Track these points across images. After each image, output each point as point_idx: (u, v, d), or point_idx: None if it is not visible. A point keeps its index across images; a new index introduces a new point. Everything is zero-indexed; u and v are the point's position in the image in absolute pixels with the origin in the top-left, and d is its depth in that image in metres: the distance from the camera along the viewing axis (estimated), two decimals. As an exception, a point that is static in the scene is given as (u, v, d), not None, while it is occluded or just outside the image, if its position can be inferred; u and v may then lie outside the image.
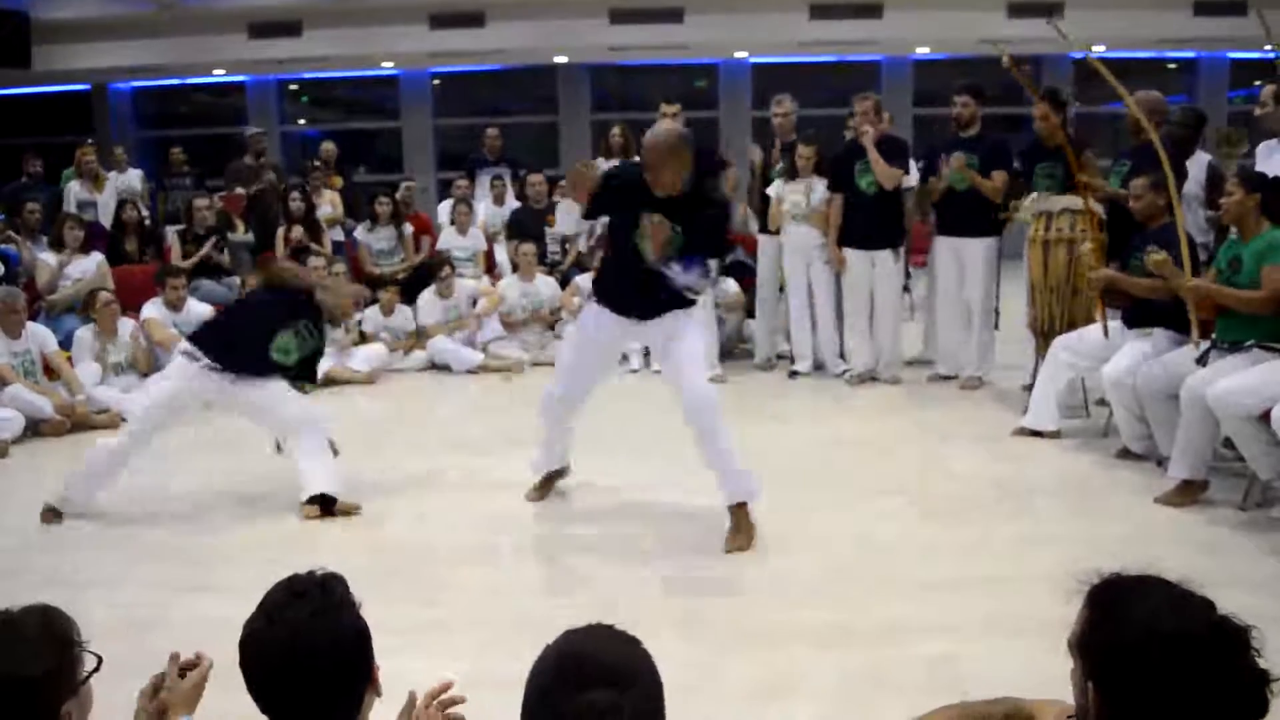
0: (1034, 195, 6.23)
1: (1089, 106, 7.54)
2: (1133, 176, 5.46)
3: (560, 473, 4.87)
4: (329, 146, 10.63)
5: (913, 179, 7.15)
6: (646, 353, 8.00)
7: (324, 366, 7.57)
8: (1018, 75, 5.96)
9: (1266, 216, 4.50)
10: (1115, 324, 5.47)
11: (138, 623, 3.49)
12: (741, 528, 4.18)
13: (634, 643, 1.47)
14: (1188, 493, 4.53)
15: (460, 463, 5.51)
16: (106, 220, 9.02)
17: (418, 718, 1.94)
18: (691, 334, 4.35)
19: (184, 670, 1.91)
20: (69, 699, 1.64)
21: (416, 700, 1.96)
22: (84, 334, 6.91)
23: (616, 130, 9.60)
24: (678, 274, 4.08)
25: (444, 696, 1.98)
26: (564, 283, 8.57)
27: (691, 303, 4.34)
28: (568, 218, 7.07)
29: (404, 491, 5.06)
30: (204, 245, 8.40)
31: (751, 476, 4.23)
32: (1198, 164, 6.11)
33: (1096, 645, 1.54)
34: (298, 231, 8.68)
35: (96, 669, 1.70)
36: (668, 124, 4.27)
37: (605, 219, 4.60)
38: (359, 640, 1.70)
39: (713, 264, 4.40)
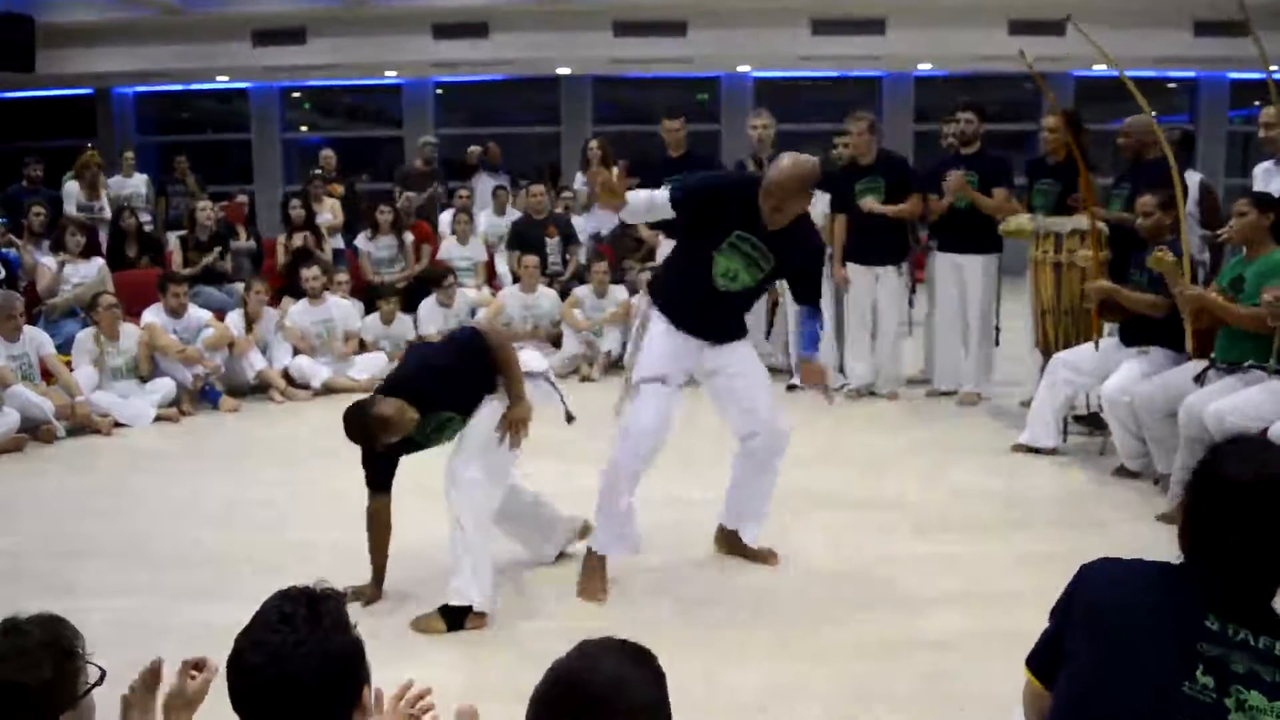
0: (1027, 217, 6.25)
1: (1089, 124, 7.53)
2: (1135, 198, 5.46)
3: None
4: (328, 154, 10.67)
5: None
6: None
7: (322, 376, 7.59)
8: (1041, 84, 5.97)
9: (1275, 238, 4.52)
10: (1112, 340, 5.48)
11: (137, 630, 3.49)
12: (761, 554, 4.23)
13: (642, 662, 1.48)
14: (1188, 511, 4.53)
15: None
16: (103, 225, 9.04)
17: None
18: (761, 369, 4.21)
19: (192, 673, 1.91)
20: (67, 711, 1.64)
21: (382, 698, 1.94)
22: (84, 337, 6.91)
23: (594, 143, 9.62)
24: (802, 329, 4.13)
25: (409, 694, 1.97)
26: (564, 294, 8.58)
27: (745, 330, 4.19)
28: (599, 219, 6.81)
29: (400, 501, 5.04)
30: (205, 251, 8.41)
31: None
32: (1191, 183, 6.13)
33: (1198, 484, 1.77)
34: (299, 239, 8.70)
35: (99, 682, 1.70)
36: (798, 157, 3.76)
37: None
38: (344, 666, 1.66)
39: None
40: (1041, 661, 1.88)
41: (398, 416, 3.54)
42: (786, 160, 3.72)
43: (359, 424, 3.58)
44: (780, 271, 3.96)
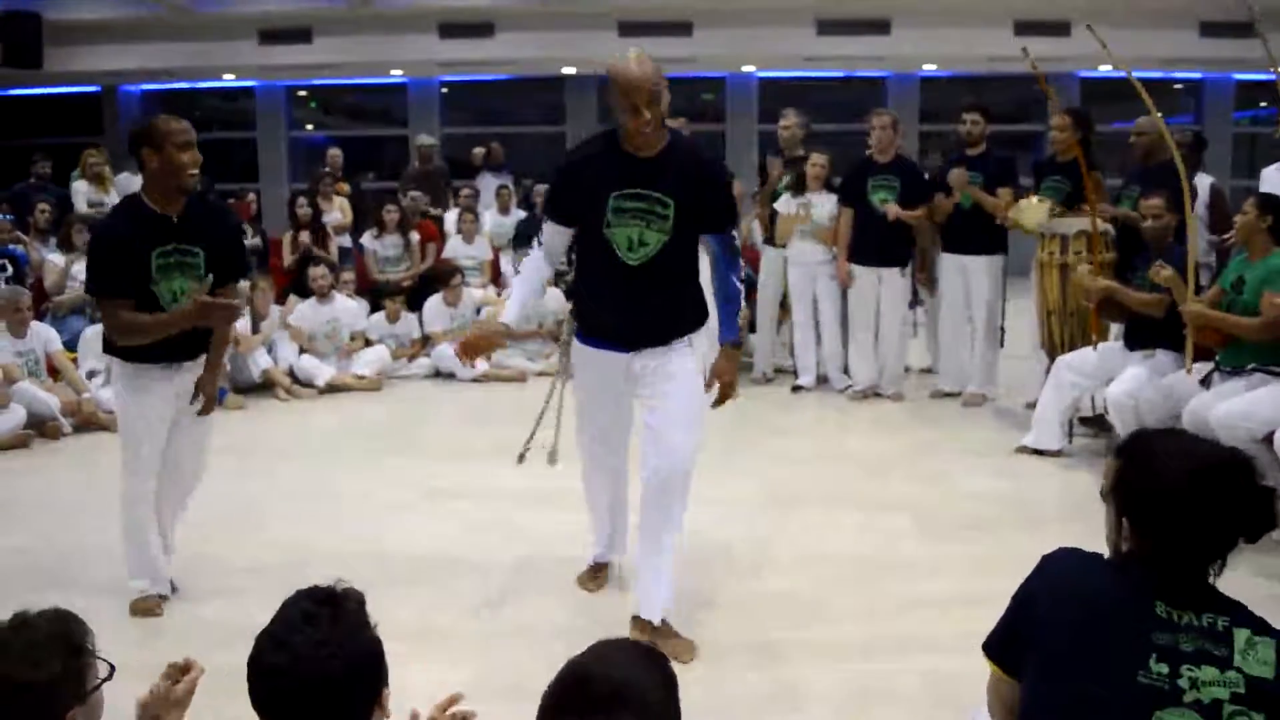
0: (1033, 200, 6.24)
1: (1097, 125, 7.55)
2: (1145, 199, 5.45)
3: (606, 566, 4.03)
4: (335, 153, 10.69)
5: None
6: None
7: (327, 373, 7.61)
8: (1043, 84, 5.99)
9: (1275, 240, 4.52)
10: (1117, 344, 5.48)
11: (144, 627, 3.51)
12: (675, 640, 3.42)
13: (653, 663, 1.48)
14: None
15: (462, 470, 5.52)
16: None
17: None
18: (687, 391, 3.46)
19: (176, 678, 1.91)
20: (76, 706, 1.64)
21: (419, 717, 1.95)
22: (92, 336, 6.92)
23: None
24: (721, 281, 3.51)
25: (452, 710, 1.97)
26: (569, 294, 8.57)
27: (699, 323, 3.58)
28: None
29: (406, 499, 5.07)
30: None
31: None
32: (1201, 186, 6.12)
33: (1129, 488, 1.82)
34: (305, 237, 8.71)
35: (109, 677, 1.70)
36: (637, 55, 3.27)
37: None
38: (366, 666, 1.66)
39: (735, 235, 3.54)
40: (1001, 648, 1.92)
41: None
42: (631, 57, 3.24)
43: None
44: (690, 212, 3.37)
